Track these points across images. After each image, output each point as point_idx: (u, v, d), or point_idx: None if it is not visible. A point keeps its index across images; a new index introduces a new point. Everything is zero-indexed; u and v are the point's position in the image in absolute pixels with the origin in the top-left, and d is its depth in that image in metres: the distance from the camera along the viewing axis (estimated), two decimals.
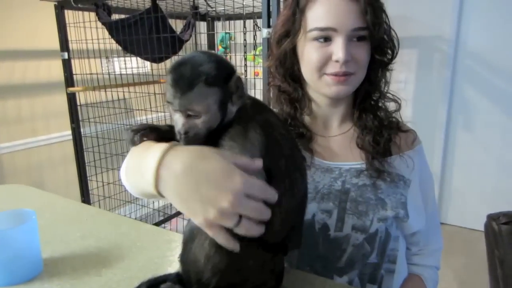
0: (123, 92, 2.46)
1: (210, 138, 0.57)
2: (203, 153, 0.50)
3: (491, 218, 1.27)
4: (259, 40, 2.84)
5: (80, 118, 2.40)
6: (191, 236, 0.55)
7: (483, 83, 2.75)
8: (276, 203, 0.53)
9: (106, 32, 2.21)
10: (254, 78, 2.55)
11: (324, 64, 0.74)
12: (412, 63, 2.85)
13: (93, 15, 2.23)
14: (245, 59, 2.54)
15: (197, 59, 0.56)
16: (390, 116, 0.83)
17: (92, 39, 2.30)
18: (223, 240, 0.49)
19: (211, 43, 3.06)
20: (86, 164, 2.45)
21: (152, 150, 0.53)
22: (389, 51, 0.78)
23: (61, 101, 2.40)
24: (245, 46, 2.48)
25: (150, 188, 0.51)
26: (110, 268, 0.72)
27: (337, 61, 0.72)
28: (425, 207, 0.85)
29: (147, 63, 2.72)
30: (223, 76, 0.55)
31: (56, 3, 2.25)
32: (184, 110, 0.55)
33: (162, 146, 0.53)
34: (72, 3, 2.13)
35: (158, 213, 2.82)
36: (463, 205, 2.95)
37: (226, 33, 2.95)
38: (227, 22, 3.03)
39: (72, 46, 2.30)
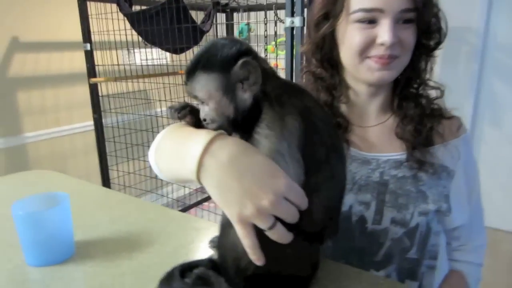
0: (144, 83, 2.47)
1: (245, 127, 0.56)
2: (250, 148, 0.50)
3: None
4: (279, 31, 2.83)
5: (102, 109, 2.43)
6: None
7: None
8: (316, 192, 0.53)
9: (127, 24, 2.23)
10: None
11: (367, 47, 0.70)
12: (437, 55, 2.77)
13: (114, 6, 2.25)
14: (266, 50, 2.52)
15: (206, 46, 0.57)
16: (432, 103, 0.78)
17: (113, 31, 2.32)
18: (250, 243, 0.47)
19: (229, 35, 3.06)
20: (107, 154, 2.49)
21: (196, 137, 0.52)
22: (437, 35, 0.74)
23: (83, 92, 2.43)
24: (265, 37, 2.45)
25: (190, 175, 0.50)
26: (141, 252, 0.73)
27: (382, 45, 0.68)
28: (469, 201, 0.82)
29: (167, 55, 2.73)
30: (225, 62, 0.54)
31: None
32: (194, 97, 0.57)
33: (209, 133, 0.51)
34: None
35: (177, 203, 2.84)
36: (488, 204, 2.86)
37: (245, 24, 2.93)
38: (246, 13, 3.01)
39: (95, 37, 2.33)
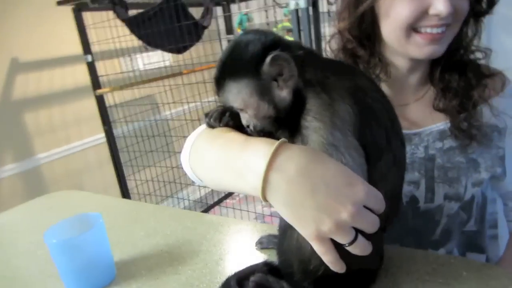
0: (150, 87, 2.42)
1: (292, 121, 0.50)
2: (319, 156, 0.44)
3: None
4: (279, 17, 2.75)
5: (111, 119, 2.39)
6: None
7: None
8: (381, 182, 0.48)
9: (126, 30, 2.17)
10: None
11: (418, 19, 0.62)
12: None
13: (110, 13, 2.19)
14: None
15: (228, 48, 0.52)
16: (479, 71, 0.71)
17: (112, 38, 2.27)
18: (332, 258, 0.43)
19: (228, 27, 2.98)
20: (123, 164, 2.45)
21: (254, 148, 0.46)
22: None
23: (90, 105, 2.38)
24: (267, 24, 2.39)
25: (253, 192, 0.45)
26: (186, 264, 0.68)
27: (436, 15, 0.61)
28: None
29: (169, 56, 2.67)
30: (253, 62, 0.48)
31: (73, 6, 2.21)
32: (235, 107, 0.52)
33: (268, 143, 0.45)
34: (89, 3, 2.09)
35: (197, 204, 2.80)
36: None
37: (244, 14, 2.86)
38: (243, 3, 2.93)
39: (94, 48, 2.27)
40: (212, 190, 2.87)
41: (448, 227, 0.71)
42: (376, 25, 0.68)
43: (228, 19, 2.95)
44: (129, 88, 2.34)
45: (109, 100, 2.38)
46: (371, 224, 0.43)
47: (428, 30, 0.62)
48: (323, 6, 1.77)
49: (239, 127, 0.55)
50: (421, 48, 0.64)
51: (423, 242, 0.71)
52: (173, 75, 2.35)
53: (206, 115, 0.59)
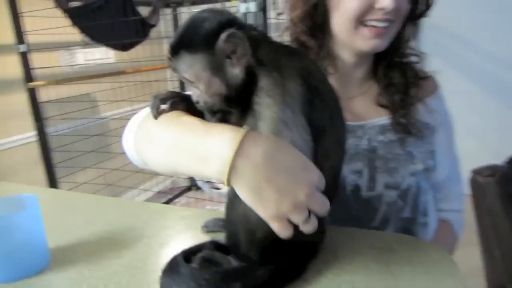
0: (92, 83, 2.30)
1: (243, 100, 0.52)
2: (280, 143, 0.47)
3: (476, 172, 1.31)
4: None
5: (44, 116, 2.22)
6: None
7: (447, 52, 2.85)
8: (326, 160, 0.51)
9: (66, 22, 2.06)
10: None
11: (365, 12, 0.67)
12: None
13: (50, 2, 2.07)
14: None
15: (187, 21, 0.52)
16: (416, 72, 0.79)
17: (50, 29, 2.13)
18: (288, 234, 0.46)
19: (175, 30, 2.96)
20: (56, 165, 2.28)
21: (219, 133, 0.47)
22: (425, 1, 0.74)
23: (20, 99, 2.20)
24: None
25: (216, 175, 0.45)
26: (129, 249, 0.65)
27: (381, 9, 0.66)
28: (449, 152, 0.85)
29: (112, 54, 2.58)
30: (208, 38, 0.50)
31: None
32: (181, 78, 0.53)
33: (233, 130, 0.46)
34: None
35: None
36: None
37: None
38: (193, 7, 2.93)
39: (29, 38, 2.12)
40: (158, 193, 2.79)
41: (387, 214, 0.76)
42: (327, 16, 0.72)
43: (176, 21, 2.93)
44: (67, 83, 2.20)
45: (43, 95, 2.22)
46: (323, 205, 0.47)
47: (374, 23, 0.68)
48: (270, 15, 1.84)
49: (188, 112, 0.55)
50: (367, 41, 0.70)
51: (364, 228, 0.75)
52: (118, 73, 2.26)
53: (156, 97, 0.58)
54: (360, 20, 0.68)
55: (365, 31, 0.69)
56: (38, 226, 0.61)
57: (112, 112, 2.48)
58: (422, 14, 0.75)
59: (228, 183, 0.45)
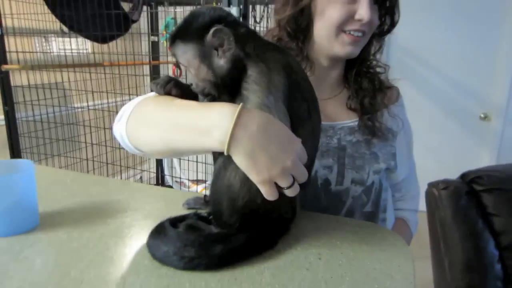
0: (67, 71, 2.28)
1: (233, 88, 0.60)
2: (271, 117, 0.55)
3: (431, 185, 1.44)
4: None
5: (15, 101, 2.19)
6: (224, 165, 0.57)
7: (411, 73, 3.06)
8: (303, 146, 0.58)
9: (44, 8, 2.05)
10: None
11: (345, 22, 0.77)
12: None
13: None
14: None
15: (185, 17, 0.61)
16: (380, 80, 0.89)
17: (28, 14, 2.11)
18: (274, 196, 0.54)
19: (153, 28, 2.98)
20: (22, 151, 2.24)
21: (220, 109, 0.54)
22: (390, 20, 0.84)
23: None
24: None
25: (217, 145, 0.52)
26: (114, 218, 0.70)
27: (359, 20, 0.76)
28: (408, 156, 0.95)
29: (88, 45, 2.57)
30: (200, 31, 0.58)
31: None
32: (180, 64, 0.62)
33: (232, 106, 0.54)
34: None
35: None
36: None
37: (172, 18, 2.89)
38: (172, 7, 2.96)
39: (6, 21, 2.09)
40: None
41: (352, 207, 0.84)
42: (311, 21, 0.81)
43: (154, 20, 2.95)
44: (42, 70, 2.18)
45: (15, 80, 2.19)
46: (303, 174, 0.55)
47: (352, 32, 0.78)
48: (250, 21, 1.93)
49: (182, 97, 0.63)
50: (344, 46, 0.79)
51: None
52: (95, 65, 2.26)
53: (153, 80, 0.66)
54: (340, 28, 0.78)
55: (345, 37, 0.78)
56: (32, 188, 0.65)
57: (83, 103, 2.46)
58: (387, 31, 0.86)
59: (228, 151, 0.52)
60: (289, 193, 0.54)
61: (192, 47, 0.59)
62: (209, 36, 0.57)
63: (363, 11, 0.75)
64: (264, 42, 0.65)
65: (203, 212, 0.68)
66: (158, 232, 0.59)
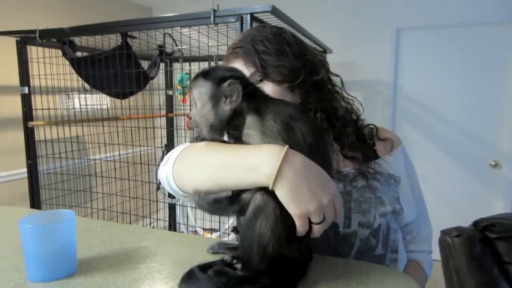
0: (82, 127, 2.42)
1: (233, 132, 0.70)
2: (309, 160, 0.62)
3: (444, 232, 1.46)
4: None
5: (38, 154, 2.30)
6: (255, 215, 0.62)
7: (419, 122, 3.15)
8: None
9: (68, 69, 2.23)
10: None
11: None
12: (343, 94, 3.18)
13: (54, 51, 2.25)
14: None
15: (213, 66, 0.74)
16: (372, 135, 0.95)
17: (51, 74, 2.29)
18: (304, 230, 0.60)
19: (168, 83, 3.16)
20: (42, 202, 2.32)
21: (268, 148, 0.62)
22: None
23: (11, 138, 2.28)
24: None
25: (264, 180, 0.59)
26: (146, 263, 0.75)
27: None
28: (414, 198, 0.98)
29: (107, 100, 2.73)
30: (220, 78, 0.69)
31: (18, 38, 2.23)
32: (192, 99, 0.72)
33: (279, 146, 0.61)
34: (37, 38, 2.13)
35: None
36: None
37: (186, 73, 3.07)
38: (186, 63, 3.16)
39: (34, 81, 2.27)
40: None
41: (361, 249, 0.88)
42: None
43: (169, 75, 3.15)
44: (65, 125, 2.32)
45: (40, 135, 2.32)
46: (333, 213, 0.62)
47: None
48: None
49: None
50: None
51: None
52: (115, 118, 2.40)
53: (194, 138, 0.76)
54: None
55: None
56: (72, 236, 0.72)
57: (100, 155, 2.58)
58: (316, 79, 0.85)
59: (273, 185, 0.58)
60: (318, 228, 0.60)
61: (209, 86, 0.69)
62: (225, 84, 0.68)
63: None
64: (267, 98, 0.73)
65: (228, 257, 0.73)
66: (190, 277, 0.64)
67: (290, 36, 0.86)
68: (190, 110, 0.76)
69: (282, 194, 0.59)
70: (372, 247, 0.89)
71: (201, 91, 0.69)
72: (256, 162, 0.61)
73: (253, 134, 0.66)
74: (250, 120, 0.67)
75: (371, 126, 0.99)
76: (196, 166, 0.72)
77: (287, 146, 0.61)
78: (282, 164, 0.59)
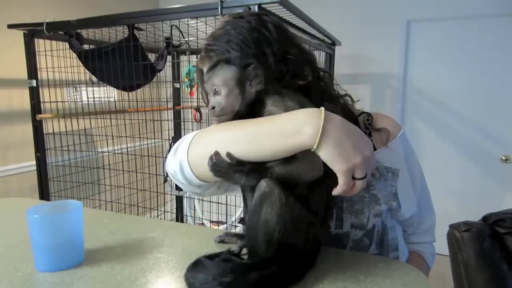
0: (90, 119, 2.43)
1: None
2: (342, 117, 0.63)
3: (453, 227, 1.44)
4: None
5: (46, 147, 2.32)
6: (261, 202, 0.62)
7: (429, 115, 3.10)
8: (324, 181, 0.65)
9: (75, 61, 2.22)
10: None
11: None
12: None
13: (62, 44, 2.25)
14: None
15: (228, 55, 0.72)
16: (368, 123, 0.88)
17: (59, 67, 2.30)
18: (348, 187, 0.60)
19: (176, 75, 3.15)
20: (51, 194, 2.34)
21: (304, 111, 0.63)
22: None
23: (19, 131, 2.29)
24: None
25: (309, 140, 0.58)
26: (152, 253, 0.75)
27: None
28: (414, 190, 0.92)
29: (114, 93, 2.73)
30: (243, 62, 0.68)
31: (26, 31, 2.24)
32: (211, 86, 0.69)
33: (313, 109, 0.62)
34: (45, 31, 2.13)
35: None
36: None
37: (193, 66, 3.06)
38: (193, 56, 3.15)
39: (42, 74, 2.27)
40: None
41: (354, 249, 0.84)
42: None
43: (176, 68, 3.14)
44: (73, 118, 2.33)
45: (48, 128, 2.34)
46: (373, 167, 0.63)
47: None
48: None
49: None
50: None
51: None
52: (122, 111, 2.40)
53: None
54: None
55: None
56: (79, 226, 0.72)
57: (108, 148, 2.59)
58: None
59: (318, 144, 0.58)
60: (360, 184, 0.60)
61: (234, 70, 0.68)
62: (250, 68, 0.68)
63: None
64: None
65: (235, 247, 0.72)
66: (196, 265, 0.64)
67: (271, 29, 0.74)
68: (201, 102, 0.74)
69: (327, 152, 0.58)
70: (365, 247, 0.85)
71: (226, 76, 0.68)
72: (295, 125, 0.60)
73: (277, 111, 0.66)
74: (273, 99, 0.68)
75: (366, 114, 0.91)
76: (222, 144, 0.65)
77: (320, 108, 0.61)
78: (325, 122, 0.59)
